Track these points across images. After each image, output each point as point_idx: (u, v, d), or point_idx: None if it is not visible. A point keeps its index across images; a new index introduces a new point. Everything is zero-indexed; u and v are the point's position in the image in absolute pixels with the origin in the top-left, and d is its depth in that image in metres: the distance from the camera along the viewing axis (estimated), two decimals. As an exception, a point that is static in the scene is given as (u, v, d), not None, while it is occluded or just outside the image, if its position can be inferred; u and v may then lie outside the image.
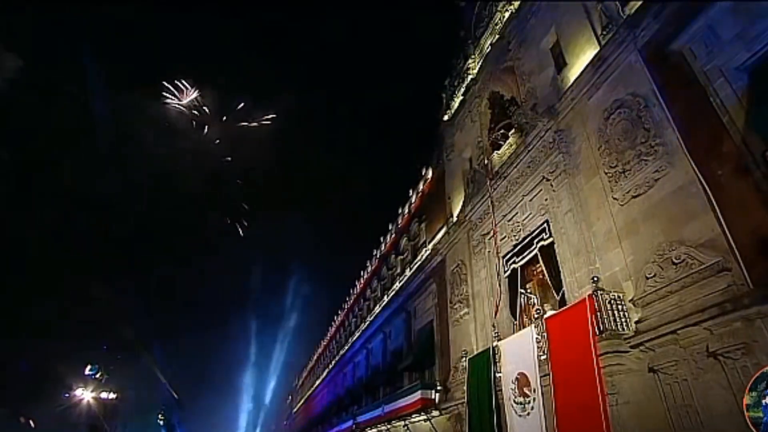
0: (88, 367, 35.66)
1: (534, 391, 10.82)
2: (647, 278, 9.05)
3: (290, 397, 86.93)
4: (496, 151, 17.06)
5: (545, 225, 13.33)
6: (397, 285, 28.42)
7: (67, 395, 34.88)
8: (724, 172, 8.38)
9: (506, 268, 15.03)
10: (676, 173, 9.13)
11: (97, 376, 35.82)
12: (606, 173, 10.95)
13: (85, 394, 34.85)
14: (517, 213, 14.94)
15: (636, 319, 9.16)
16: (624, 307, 9.44)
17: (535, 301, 12.98)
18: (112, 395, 36.15)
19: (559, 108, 13.23)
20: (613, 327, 9.13)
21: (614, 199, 10.55)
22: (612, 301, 9.42)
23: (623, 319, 9.28)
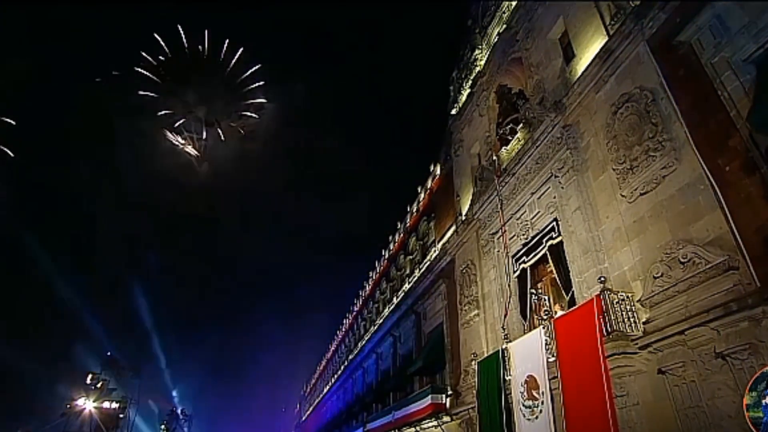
0: (90, 376, 36.40)
1: (543, 394, 11.17)
2: (655, 278, 9.35)
3: (298, 405, 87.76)
4: (504, 147, 17.36)
5: (554, 223, 13.65)
6: (406, 286, 28.84)
7: (68, 406, 35.62)
8: (732, 168, 8.66)
9: (516, 268, 15.38)
10: (683, 169, 9.40)
11: (99, 385, 36.54)
12: (614, 170, 11.24)
13: (87, 404, 35.58)
14: (525, 211, 15.27)
15: (644, 319, 9.46)
16: (633, 308, 9.74)
17: (545, 301, 13.27)
18: (114, 405, 36.84)
19: (566, 102, 13.50)
20: (621, 328, 9.44)
21: (622, 196, 10.84)
22: (620, 302, 9.72)
23: (632, 320, 9.57)
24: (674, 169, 9.59)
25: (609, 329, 9.44)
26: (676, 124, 9.72)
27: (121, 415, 36.46)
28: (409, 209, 32.75)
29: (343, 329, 51.02)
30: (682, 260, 8.81)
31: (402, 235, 33.29)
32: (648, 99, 10.56)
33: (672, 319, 8.71)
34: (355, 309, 46.01)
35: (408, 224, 32.06)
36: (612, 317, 9.49)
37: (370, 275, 41.82)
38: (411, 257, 30.16)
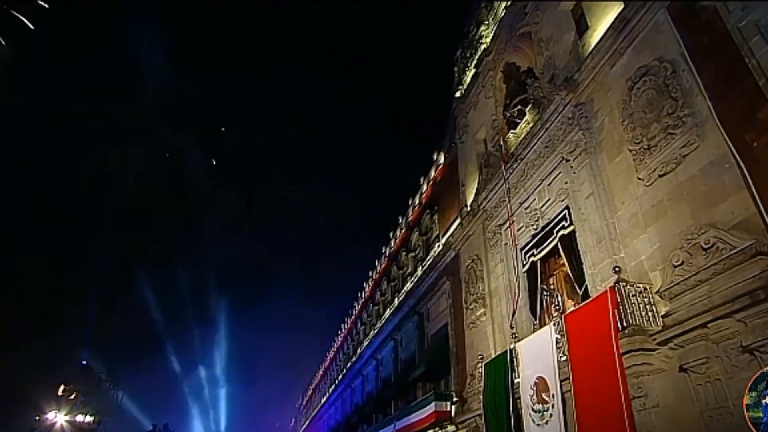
0: (62, 387, 36.07)
1: (553, 396, 11.05)
2: (675, 267, 9.21)
3: (294, 419, 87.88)
4: (512, 131, 17.26)
5: (565, 211, 13.55)
6: (408, 285, 28.77)
7: (37, 418, 35.34)
8: (760, 144, 8.49)
9: (525, 262, 15.28)
10: (706, 147, 9.26)
11: (72, 397, 36.22)
12: (630, 150, 11.10)
13: (58, 418, 35.24)
14: (534, 199, 15.17)
15: (663, 312, 9.34)
16: (651, 300, 9.61)
17: (557, 297, 13.17)
18: (89, 418, 36.55)
19: (578, 78, 13.35)
20: (638, 322, 9.31)
21: (639, 179, 10.71)
22: (637, 294, 9.59)
23: (649, 314, 9.44)
24: (696, 147, 9.45)
25: (624, 324, 9.31)
26: (699, 97, 9.57)
27: (97, 430, 36.26)
28: (411, 202, 32.65)
29: (341, 335, 50.98)
30: (705, 246, 8.67)
31: (404, 230, 33.19)
32: (668, 71, 10.40)
33: (694, 310, 8.56)
34: (354, 313, 45.95)
35: (410, 218, 31.97)
36: (628, 310, 9.36)
37: (370, 275, 41.73)
38: (413, 254, 30.05)
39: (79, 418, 36.37)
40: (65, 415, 35.84)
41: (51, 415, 35.56)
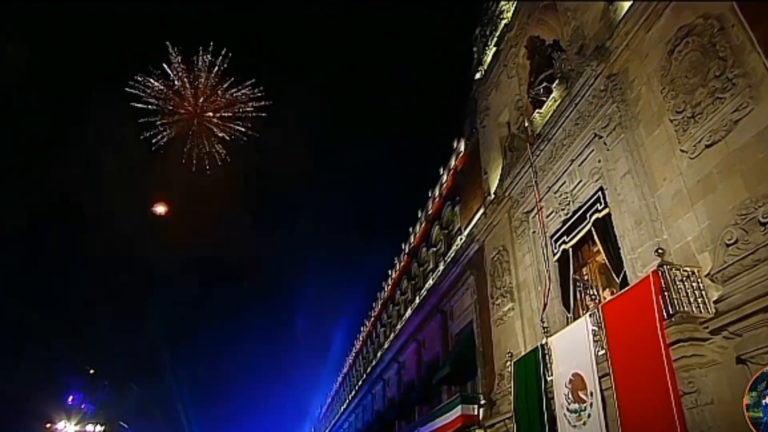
0: (71, 396, 36.28)
1: (591, 394, 10.51)
2: (728, 246, 8.60)
3: (313, 429, 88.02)
4: (537, 110, 16.71)
5: (599, 193, 13.06)
6: (429, 282, 28.29)
7: (48, 425, 35.63)
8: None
9: (555, 251, 14.75)
10: (761, 110, 8.61)
11: (82, 406, 36.43)
12: (672, 120, 10.49)
13: (67, 427, 35.47)
14: (564, 182, 14.66)
15: (715, 297, 8.73)
16: (701, 285, 9.04)
17: (592, 286, 12.58)
18: (99, 428, 36.72)
19: (611, 47, 12.76)
20: (687, 309, 8.73)
21: (682, 151, 10.11)
22: (684, 278, 9.02)
23: (699, 299, 8.90)
24: (750, 110, 8.79)
25: (670, 311, 8.76)
26: (752, 54, 8.91)
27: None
28: (430, 194, 32.18)
29: (360, 339, 50.76)
30: (763, 221, 8.04)
31: (424, 224, 32.77)
32: (714, 29, 9.74)
33: (752, 293, 7.91)
34: (373, 314, 45.66)
35: (430, 211, 31.51)
36: (674, 296, 8.82)
37: (389, 274, 41.36)
38: (434, 249, 29.61)
39: (89, 428, 36.56)
40: (75, 424, 36.06)
41: (60, 425, 35.80)
